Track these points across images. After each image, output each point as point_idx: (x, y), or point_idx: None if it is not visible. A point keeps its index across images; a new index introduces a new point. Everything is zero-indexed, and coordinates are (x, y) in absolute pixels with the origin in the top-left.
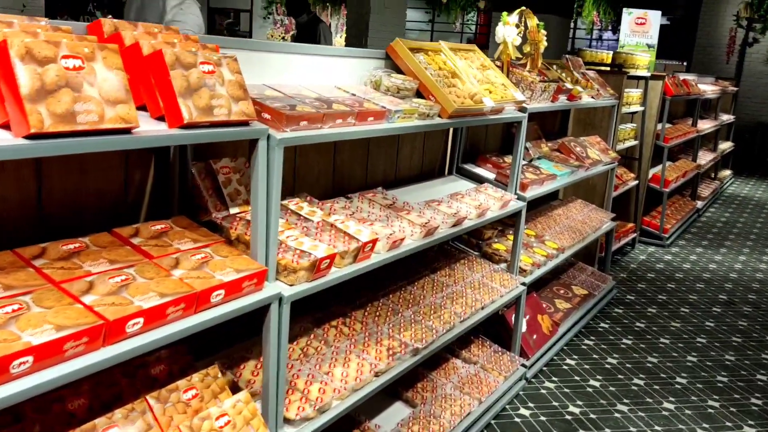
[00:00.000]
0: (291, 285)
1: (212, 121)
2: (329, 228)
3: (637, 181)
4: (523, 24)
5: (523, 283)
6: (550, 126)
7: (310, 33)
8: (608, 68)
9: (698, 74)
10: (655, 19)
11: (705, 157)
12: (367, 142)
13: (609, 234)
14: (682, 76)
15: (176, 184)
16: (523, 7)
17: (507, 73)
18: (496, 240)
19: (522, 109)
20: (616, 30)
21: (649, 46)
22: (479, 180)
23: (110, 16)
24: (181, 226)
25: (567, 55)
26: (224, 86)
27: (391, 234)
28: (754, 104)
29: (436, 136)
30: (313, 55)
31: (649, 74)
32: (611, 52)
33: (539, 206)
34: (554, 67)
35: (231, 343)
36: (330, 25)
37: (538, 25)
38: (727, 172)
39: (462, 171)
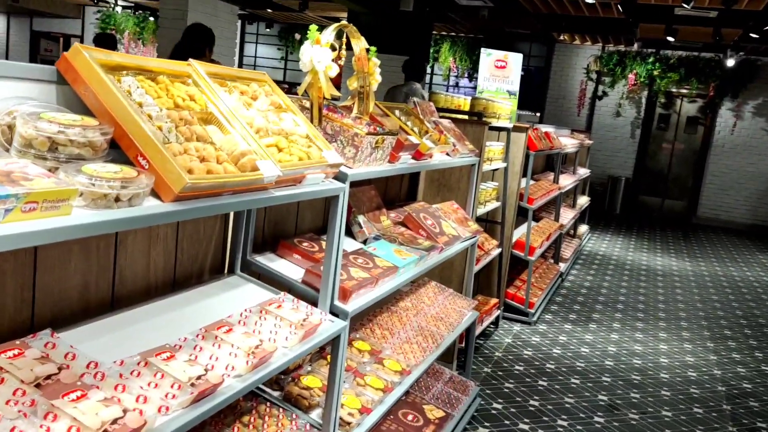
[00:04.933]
0: None
1: None
2: None
3: (500, 249)
4: (344, 46)
5: None
6: (394, 190)
7: None
8: (466, 117)
9: (555, 126)
10: (516, 62)
11: (566, 215)
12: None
13: (470, 327)
14: (545, 129)
15: None
16: (344, 22)
17: (318, 120)
18: (308, 369)
19: (340, 177)
20: (472, 77)
21: (510, 93)
22: (278, 283)
23: None
24: None
25: (415, 99)
26: None
27: None
28: (604, 157)
29: (206, 217)
30: None
31: (511, 125)
32: (469, 98)
33: None
34: (396, 112)
35: None
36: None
37: (368, 50)
38: (585, 228)
39: (251, 268)
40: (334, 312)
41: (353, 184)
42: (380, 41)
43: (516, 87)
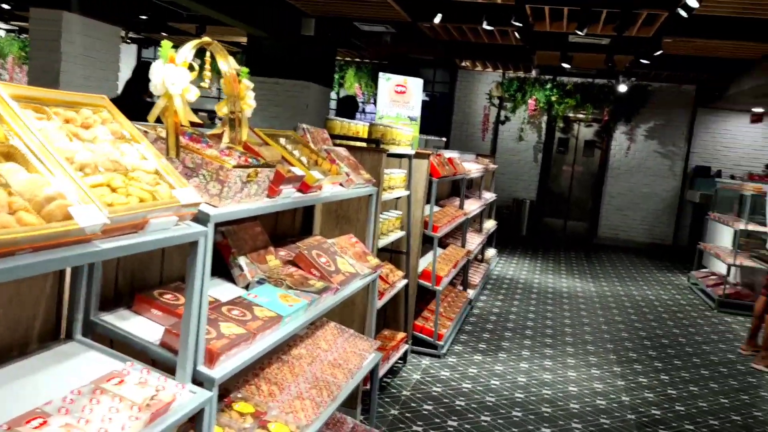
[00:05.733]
0: None
1: None
2: None
3: (406, 280)
4: (208, 65)
5: None
6: (286, 224)
7: None
8: (363, 144)
9: (460, 151)
10: (416, 88)
11: (473, 240)
12: None
13: (374, 369)
14: (446, 154)
15: None
16: (206, 38)
17: (176, 152)
18: None
19: (200, 218)
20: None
21: (411, 118)
22: (131, 348)
23: None
24: None
25: (305, 125)
26: None
27: None
28: (509, 180)
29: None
30: None
31: (413, 152)
32: (367, 124)
33: None
34: (282, 141)
35: None
36: None
37: (239, 71)
38: (492, 252)
39: (97, 330)
40: (199, 380)
41: (230, 223)
42: (282, 67)
43: (417, 112)
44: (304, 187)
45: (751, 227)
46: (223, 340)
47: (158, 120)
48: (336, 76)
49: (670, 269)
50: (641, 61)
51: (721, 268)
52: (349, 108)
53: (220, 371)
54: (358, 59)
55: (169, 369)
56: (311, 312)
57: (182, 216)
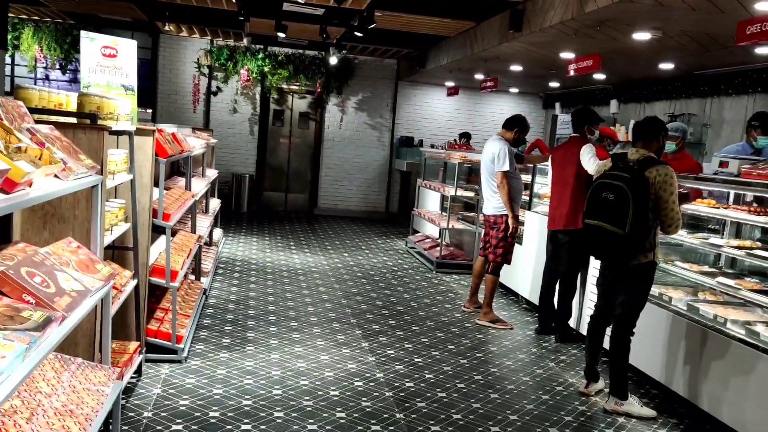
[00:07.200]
0: None
1: None
2: None
3: (135, 280)
4: None
5: None
6: None
7: None
8: (75, 119)
9: (173, 125)
10: (129, 51)
11: (202, 224)
12: None
13: (115, 403)
14: (169, 129)
15: None
16: None
17: None
18: None
19: None
20: (66, 70)
21: (126, 88)
22: None
23: None
24: None
25: None
26: None
27: None
28: (227, 155)
29: None
30: None
31: (134, 128)
32: (72, 94)
33: None
34: None
35: None
36: None
37: None
38: (219, 233)
39: None
40: None
41: None
42: None
43: (133, 81)
44: (8, 185)
45: (459, 192)
46: None
47: None
48: (10, 36)
49: (388, 235)
50: (355, 33)
51: (433, 231)
52: None
53: None
54: (36, 17)
55: None
56: (34, 357)
57: None
